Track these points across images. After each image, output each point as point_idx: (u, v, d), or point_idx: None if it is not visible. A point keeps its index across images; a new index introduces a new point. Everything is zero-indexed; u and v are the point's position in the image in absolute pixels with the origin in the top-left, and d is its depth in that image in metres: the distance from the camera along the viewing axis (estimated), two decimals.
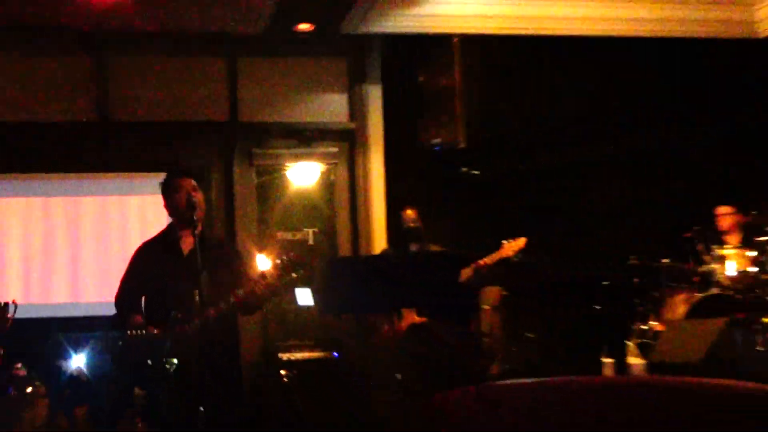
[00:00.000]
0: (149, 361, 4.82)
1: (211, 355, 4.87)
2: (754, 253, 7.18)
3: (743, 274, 7.17)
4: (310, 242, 8.24)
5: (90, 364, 6.65)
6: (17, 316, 6.18)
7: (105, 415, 6.83)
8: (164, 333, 4.83)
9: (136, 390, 5.36)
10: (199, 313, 4.76)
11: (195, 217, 4.99)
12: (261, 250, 7.86)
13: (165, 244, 5.23)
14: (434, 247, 7.02)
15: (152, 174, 8.01)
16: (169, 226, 5.33)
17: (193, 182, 5.17)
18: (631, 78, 8.67)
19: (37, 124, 7.88)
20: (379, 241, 8.14)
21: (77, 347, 6.20)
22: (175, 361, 4.61)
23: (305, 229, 8.33)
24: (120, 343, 5.02)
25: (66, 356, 6.80)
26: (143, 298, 5.04)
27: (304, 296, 7.41)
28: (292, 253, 5.27)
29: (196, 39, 8.12)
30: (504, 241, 6.86)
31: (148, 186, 8.00)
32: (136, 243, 5.74)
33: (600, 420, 1.49)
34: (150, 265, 5.16)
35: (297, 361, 7.24)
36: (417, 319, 6.79)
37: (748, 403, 1.47)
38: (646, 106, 8.69)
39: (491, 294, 7.51)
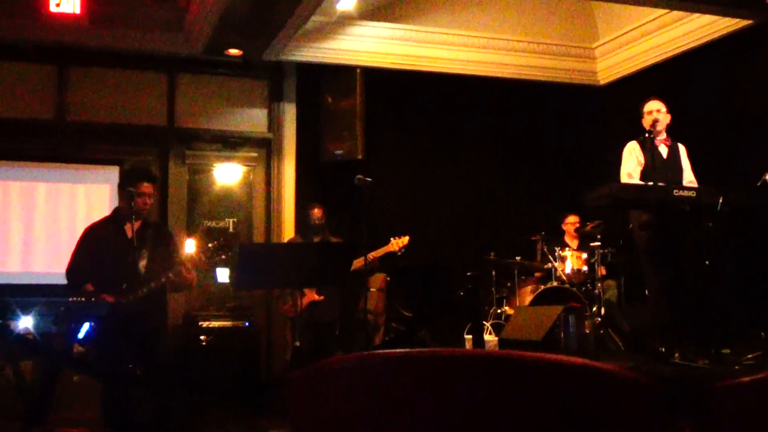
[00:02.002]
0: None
1: (145, 318, 4.78)
2: (586, 256, 7.24)
3: (577, 272, 7.18)
4: (231, 230, 7.96)
5: (36, 324, 6.20)
6: None
7: (47, 368, 6.39)
8: (101, 299, 4.67)
9: (76, 347, 5.00)
10: (141, 285, 4.69)
11: (142, 212, 4.89)
12: (189, 235, 7.58)
13: (112, 228, 4.98)
14: (333, 239, 6.83)
15: (98, 167, 7.67)
16: (115, 211, 5.12)
17: (153, 189, 4.98)
18: (494, 111, 8.60)
19: (1, 119, 7.25)
20: (288, 232, 7.84)
21: (26, 310, 5.76)
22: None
23: (227, 219, 8.02)
24: (62, 307, 4.81)
25: (15, 317, 6.31)
26: (94, 272, 4.82)
27: (223, 274, 7.18)
28: (221, 239, 5.13)
29: (143, 56, 7.60)
30: (392, 238, 6.72)
31: (93, 176, 7.63)
32: (81, 223, 5.43)
33: (456, 386, 1.31)
34: (99, 244, 4.93)
35: (213, 328, 6.94)
36: (316, 297, 6.61)
37: (576, 376, 1.32)
38: (506, 134, 8.66)
39: (378, 278, 7.30)
